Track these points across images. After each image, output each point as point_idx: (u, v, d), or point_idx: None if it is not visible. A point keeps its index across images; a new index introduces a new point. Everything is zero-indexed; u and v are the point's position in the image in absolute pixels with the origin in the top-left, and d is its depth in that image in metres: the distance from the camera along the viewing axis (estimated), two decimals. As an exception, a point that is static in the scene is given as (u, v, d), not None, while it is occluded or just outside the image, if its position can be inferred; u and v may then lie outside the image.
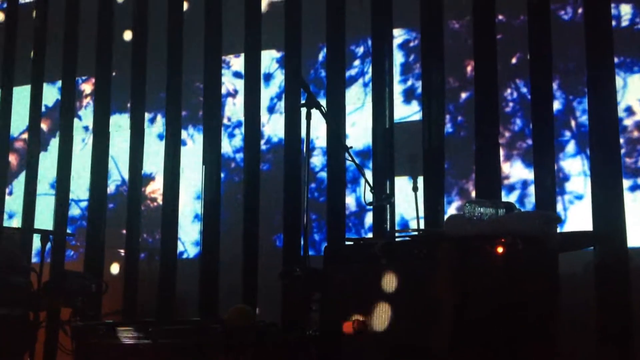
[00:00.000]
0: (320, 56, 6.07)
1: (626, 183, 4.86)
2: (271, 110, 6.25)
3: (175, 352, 3.89)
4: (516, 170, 5.26)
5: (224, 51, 6.44)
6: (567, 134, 5.14)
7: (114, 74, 6.92)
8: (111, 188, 6.79)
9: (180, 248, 6.37)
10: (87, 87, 7.12)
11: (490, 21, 5.37)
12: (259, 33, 6.27)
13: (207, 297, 6.02)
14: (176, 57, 6.59)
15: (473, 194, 5.27)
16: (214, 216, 6.20)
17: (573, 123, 5.14)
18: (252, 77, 6.25)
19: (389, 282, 3.62)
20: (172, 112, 6.55)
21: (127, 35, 6.92)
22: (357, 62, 5.95)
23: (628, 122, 4.99)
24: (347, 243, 4.93)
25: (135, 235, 6.50)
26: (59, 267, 6.53)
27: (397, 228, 5.44)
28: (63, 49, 7.11)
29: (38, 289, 5.08)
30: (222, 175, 6.30)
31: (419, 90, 5.61)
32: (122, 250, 6.55)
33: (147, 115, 6.74)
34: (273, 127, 6.20)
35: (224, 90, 6.44)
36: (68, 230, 6.76)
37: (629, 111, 4.99)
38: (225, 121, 6.41)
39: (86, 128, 7.01)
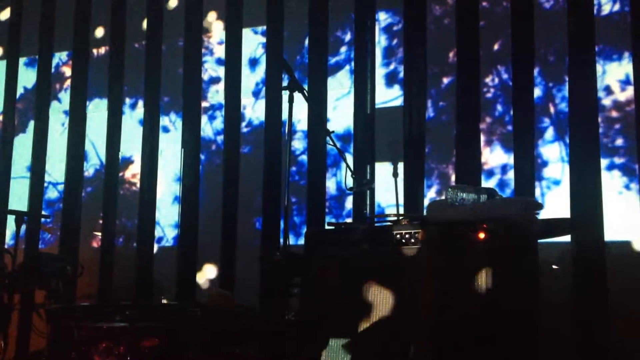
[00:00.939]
0: (306, 42, 6.01)
1: (603, 162, 4.88)
2: (256, 95, 6.20)
3: (153, 335, 3.81)
4: (496, 156, 5.27)
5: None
6: (546, 120, 5.16)
7: (95, 53, 6.83)
8: (90, 172, 6.71)
9: (158, 232, 6.32)
10: (67, 70, 7.01)
11: (473, 7, 5.36)
12: (240, 9, 6.20)
13: (185, 280, 5.98)
14: (155, 39, 6.51)
15: (453, 178, 5.28)
16: (193, 198, 6.14)
17: (552, 110, 5.16)
18: (233, 58, 6.19)
19: (371, 266, 3.61)
20: (150, 95, 6.47)
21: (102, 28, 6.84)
22: (344, 49, 5.91)
23: (606, 101, 5.00)
24: (328, 227, 4.89)
25: (111, 218, 6.43)
26: (34, 249, 6.45)
27: (376, 213, 5.44)
28: (40, 25, 6.99)
29: (12, 271, 5.01)
30: (203, 157, 6.25)
31: (402, 74, 5.59)
32: (98, 233, 6.49)
33: (128, 101, 6.66)
34: (257, 111, 6.15)
35: (206, 77, 6.37)
36: (45, 213, 6.69)
37: (607, 90, 5.01)
38: (205, 104, 6.35)
39: (66, 112, 6.91)
